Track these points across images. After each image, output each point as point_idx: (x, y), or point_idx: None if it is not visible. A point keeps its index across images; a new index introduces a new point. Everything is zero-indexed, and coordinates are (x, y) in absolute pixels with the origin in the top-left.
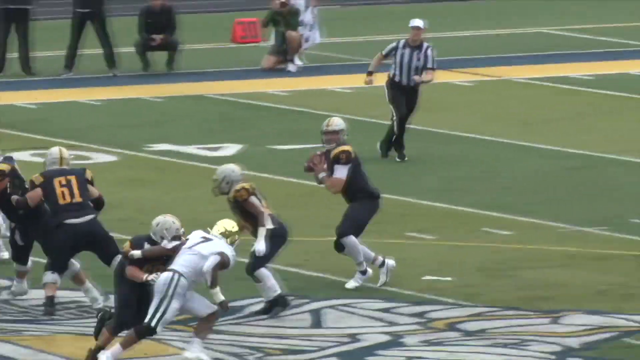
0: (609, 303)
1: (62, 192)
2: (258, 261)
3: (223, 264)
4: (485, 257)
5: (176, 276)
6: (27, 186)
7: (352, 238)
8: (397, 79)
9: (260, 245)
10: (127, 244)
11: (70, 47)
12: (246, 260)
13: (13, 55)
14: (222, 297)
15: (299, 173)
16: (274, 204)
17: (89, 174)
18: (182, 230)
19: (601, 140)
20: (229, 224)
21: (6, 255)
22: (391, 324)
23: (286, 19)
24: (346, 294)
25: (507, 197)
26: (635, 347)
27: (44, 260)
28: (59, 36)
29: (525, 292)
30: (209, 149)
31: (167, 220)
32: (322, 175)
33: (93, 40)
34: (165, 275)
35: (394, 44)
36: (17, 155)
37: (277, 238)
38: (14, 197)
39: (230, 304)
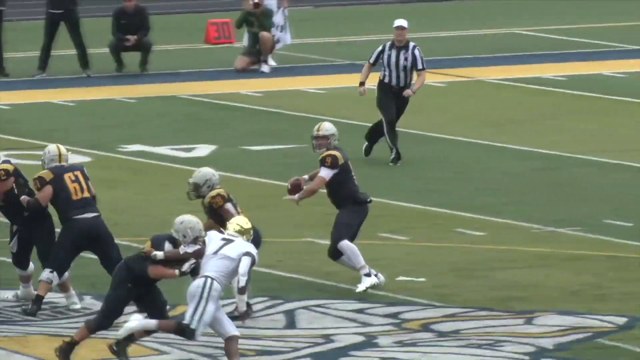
0: (582, 303)
1: (75, 188)
2: None
3: (253, 263)
4: (458, 258)
5: (209, 280)
6: (30, 186)
7: (348, 242)
8: (386, 80)
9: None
10: (147, 244)
11: (44, 48)
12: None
13: None
14: (245, 307)
15: (273, 173)
16: (247, 205)
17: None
18: (204, 233)
19: (573, 140)
20: (243, 221)
21: None
22: (365, 324)
23: (259, 19)
24: (319, 295)
25: (479, 198)
26: (609, 348)
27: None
28: (32, 37)
29: (498, 292)
30: (182, 149)
31: (192, 220)
32: (297, 196)
33: (66, 41)
34: (197, 281)
35: (379, 49)
36: None
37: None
38: (24, 198)
39: None
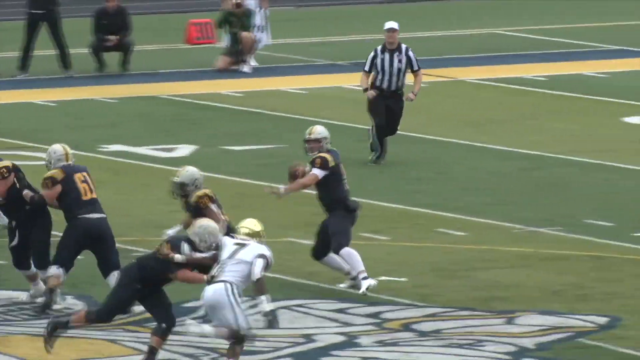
0: (563, 303)
1: (84, 188)
2: None
3: (267, 265)
4: (439, 258)
5: (229, 285)
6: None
7: (348, 249)
8: (378, 83)
9: (170, 230)
10: (166, 246)
11: (24, 49)
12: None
13: None
14: (267, 307)
15: (253, 174)
16: (227, 205)
17: None
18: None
19: (554, 140)
20: (252, 224)
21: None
22: (346, 324)
23: (240, 19)
24: (301, 295)
25: (461, 198)
26: (590, 348)
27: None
28: (13, 37)
29: (479, 292)
30: (163, 149)
31: (211, 225)
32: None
33: (47, 42)
34: (218, 287)
35: (372, 54)
36: None
37: None
38: (27, 193)
39: (185, 305)
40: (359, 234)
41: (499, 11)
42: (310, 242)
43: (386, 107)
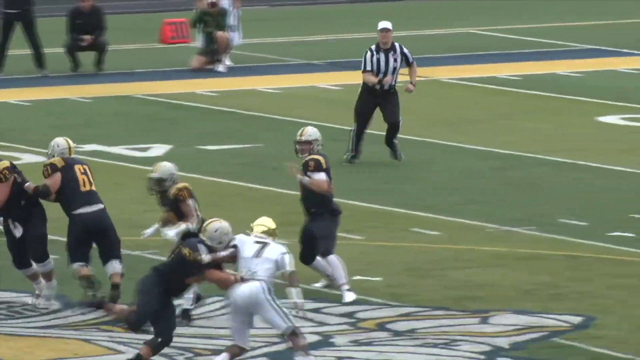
0: (537, 303)
1: (83, 180)
2: None
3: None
4: (414, 257)
5: (264, 284)
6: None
7: (334, 258)
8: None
9: (169, 231)
10: (188, 250)
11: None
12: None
13: None
14: (299, 301)
15: (229, 173)
16: (203, 204)
17: None
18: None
19: (528, 140)
20: (268, 222)
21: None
22: (321, 324)
23: (215, 19)
24: (276, 295)
25: (435, 197)
26: (564, 347)
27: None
28: None
29: (454, 292)
30: (138, 149)
31: (225, 226)
32: (299, 177)
33: (22, 41)
34: (254, 287)
35: (368, 54)
36: None
37: None
38: (30, 185)
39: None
40: None
41: (474, 11)
42: (284, 240)
43: (379, 105)
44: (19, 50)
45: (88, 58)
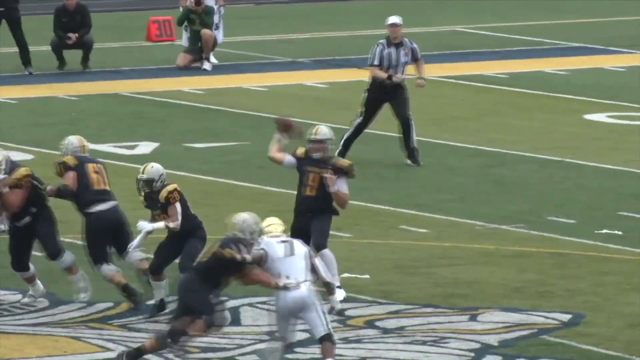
0: (526, 300)
1: (97, 179)
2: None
3: None
4: (402, 255)
5: (311, 287)
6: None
7: (331, 254)
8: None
9: (146, 225)
10: (227, 250)
11: None
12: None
13: None
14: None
15: (216, 171)
16: (191, 202)
17: None
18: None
19: (515, 138)
20: (278, 221)
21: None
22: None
23: (201, 17)
24: (264, 292)
25: (422, 195)
26: (553, 345)
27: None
28: None
29: (442, 289)
30: (124, 147)
31: (251, 216)
32: (339, 188)
33: (7, 39)
34: (304, 293)
35: (378, 48)
36: None
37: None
38: (53, 188)
39: (149, 302)
40: None
41: (460, 8)
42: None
43: (389, 100)
44: (4, 48)
45: (74, 56)
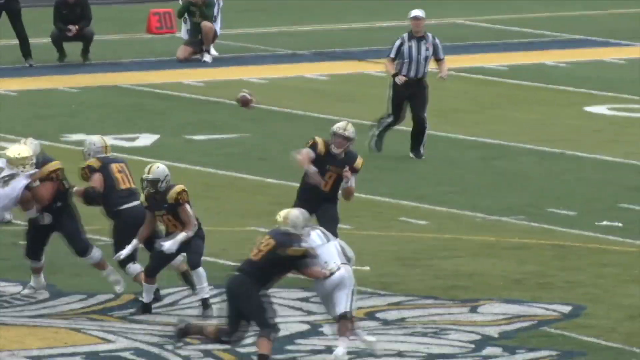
0: (526, 292)
1: (122, 178)
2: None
3: None
4: (402, 247)
5: (350, 270)
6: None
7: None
8: (404, 71)
9: (171, 245)
10: (293, 249)
11: None
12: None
13: None
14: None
15: (216, 163)
16: (192, 195)
17: None
18: None
19: (516, 130)
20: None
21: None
22: (310, 313)
23: (201, 9)
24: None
25: (423, 187)
26: (554, 336)
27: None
28: None
29: (443, 281)
30: (125, 139)
31: (296, 211)
32: (351, 183)
33: (8, 31)
34: (347, 270)
35: (398, 42)
36: None
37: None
38: (79, 189)
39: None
40: None
41: (461, 1)
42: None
43: (410, 95)
44: (4, 40)
45: (74, 48)
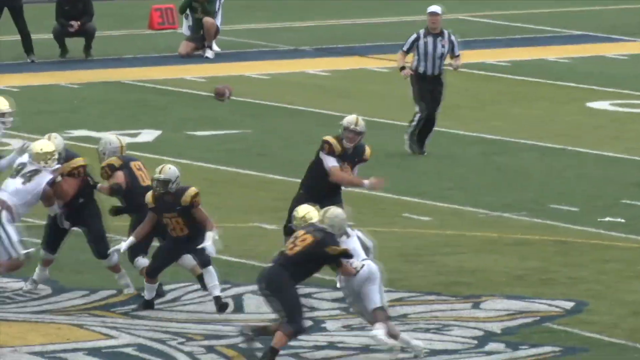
0: (529, 288)
1: (141, 176)
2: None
3: None
4: (405, 243)
5: (377, 265)
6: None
7: None
8: (421, 69)
9: (213, 248)
10: (333, 248)
11: None
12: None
13: None
14: None
15: (218, 159)
16: None
17: None
18: None
19: (517, 126)
20: (313, 208)
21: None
22: (313, 309)
23: (203, 5)
24: None
25: (425, 183)
26: (556, 332)
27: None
28: None
29: (445, 277)
30: (127, 135)
31: (340, 212)
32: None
33: (10, 27)
34: (373, 266)
35: (413, 37)
36: None
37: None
38: (103, 186)
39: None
40: None
41: None
42: (275, 226)
43: (428, 91)
44: (6, 36)
45: (76, 44)
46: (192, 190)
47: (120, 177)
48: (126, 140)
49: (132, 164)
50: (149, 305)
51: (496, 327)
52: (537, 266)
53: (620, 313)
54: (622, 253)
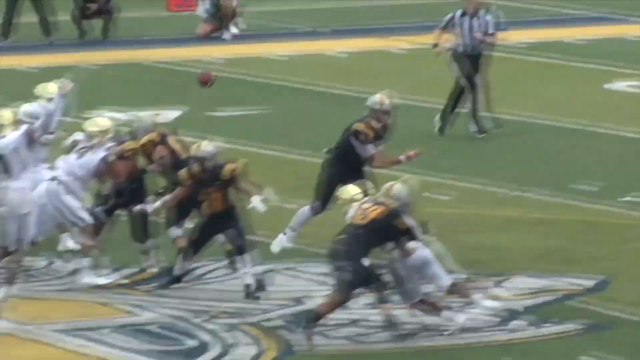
0: (550, 266)
1: (180, 148)
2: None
3: None
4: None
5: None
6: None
7: None
8: (460, 49)
9: (259, 204)
10: (402, 221)
11: (7, 15)
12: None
13: None
14: None
15: (238, 139)
16: None
17: None
18: None
19: (537, 106)
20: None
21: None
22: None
23: None
24: (289, 258)
25: (444, 163)
26: (578, 310)
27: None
28: None
29: (466, 256)
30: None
31: (404, 189)
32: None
33: (29, 9)
34: (424, 247)
35: (450, 15)
36: None
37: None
38: (152, 166)
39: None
40: None
41: None
42: (294, 205)
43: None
44: (26, 17)
45: (95, 25)
46: (231, 164)
47: (163, 150)
48: None
49: (170, 139)
50: (175, 281)
51: (519, 305)
52: (559, 245)
53: None
54: None
